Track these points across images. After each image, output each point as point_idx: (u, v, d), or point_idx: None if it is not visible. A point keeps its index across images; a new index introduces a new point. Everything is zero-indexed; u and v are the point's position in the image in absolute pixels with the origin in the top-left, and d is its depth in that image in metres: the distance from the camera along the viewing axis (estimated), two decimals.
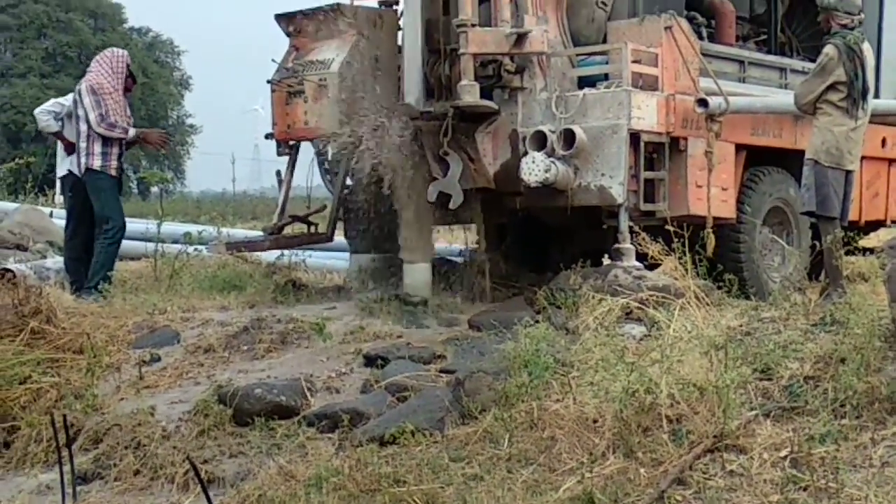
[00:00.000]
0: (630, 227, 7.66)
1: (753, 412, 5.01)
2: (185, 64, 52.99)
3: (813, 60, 9.22)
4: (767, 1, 10.37)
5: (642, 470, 4.59)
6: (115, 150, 9.30)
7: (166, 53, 51.48)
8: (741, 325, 6.30)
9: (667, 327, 5.76)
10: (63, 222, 12.83)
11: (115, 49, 9.93)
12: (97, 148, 9.20)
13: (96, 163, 9.22)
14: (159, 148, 10.02)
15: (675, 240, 6.89)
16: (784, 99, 8.99)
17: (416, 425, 5.32)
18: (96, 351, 6.66)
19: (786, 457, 4.60)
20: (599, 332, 5.89)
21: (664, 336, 5.58)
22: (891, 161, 10.43)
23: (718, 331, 5.67)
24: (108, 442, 5.65)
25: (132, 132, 9.41)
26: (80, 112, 9.26)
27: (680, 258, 6.64)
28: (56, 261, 10.32)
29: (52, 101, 10.16)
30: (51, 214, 13.27)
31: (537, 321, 6.50)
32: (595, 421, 5.03)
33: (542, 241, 9.59)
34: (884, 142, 10.16)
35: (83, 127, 9.24)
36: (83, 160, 9.25)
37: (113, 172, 9.30)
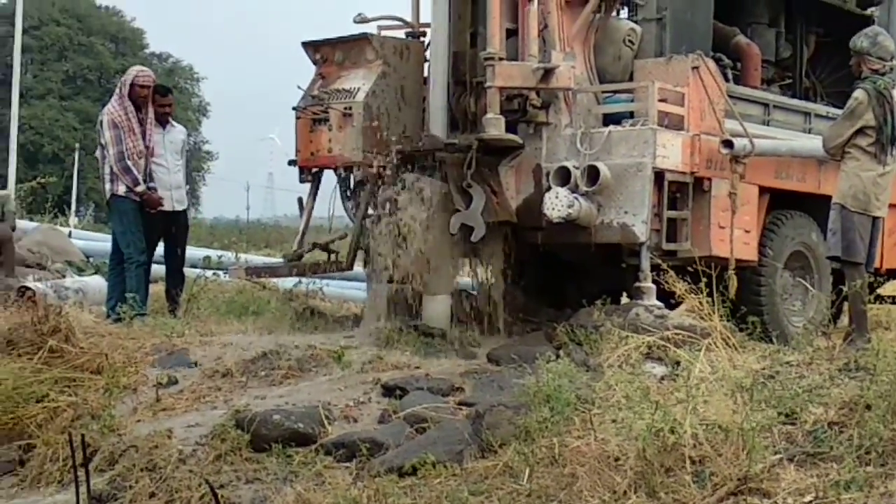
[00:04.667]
0: (657, 266, 7.62)
1: (778, 456, 4.95)
2: (203, 90, 53.38)
3: (837, 106, 9.23)
4: (793, 45, 10.39)
5: None
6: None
7: (185, 80, 51.78)
8: (764, 368, 6.25)
9: (691, 367, 5.71)
10: (81, 242, 12.93)
11: (127, 72, 9.81)
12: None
13: (121, 189, 9.26)
14: (150, 209, 9.57)
15: (700, 280, 6.84)
16: (809, 143, 8.97)
17: (435, 457, 5.27)
18: (114, 371, 6.64)
19: (810, 502, 4.54)
20: (623, 369, 5.84)
21: (689, 375, 5.53)
22: None
23: (744, 372, 5.61)
24: (124, 463, 5.60)
25: (140, 188, 9.31)
26: (103, 141, 9.31)
27: (709, 298, 6.58)
28: (75, 280, 10.33)
29: None
30: (69, 235, 13.30)
31: (558, 356, 6.46)
32: (617, 459, 4.97)
33: (560, 276, 9.55)
34: None
35: (107, 154, 9.27)
36: (108, 186, 9.30)
37: (136, 197, 9.31)
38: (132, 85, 9.41)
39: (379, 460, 5.47)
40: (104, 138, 9.29)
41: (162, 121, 9.76)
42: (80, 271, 11.75)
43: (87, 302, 9.72)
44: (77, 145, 35.79)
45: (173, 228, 9.77)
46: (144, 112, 9.48)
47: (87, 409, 6.20)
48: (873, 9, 10.31)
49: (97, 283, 10.34)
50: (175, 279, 9.82)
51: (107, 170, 9.31)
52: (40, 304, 7.36)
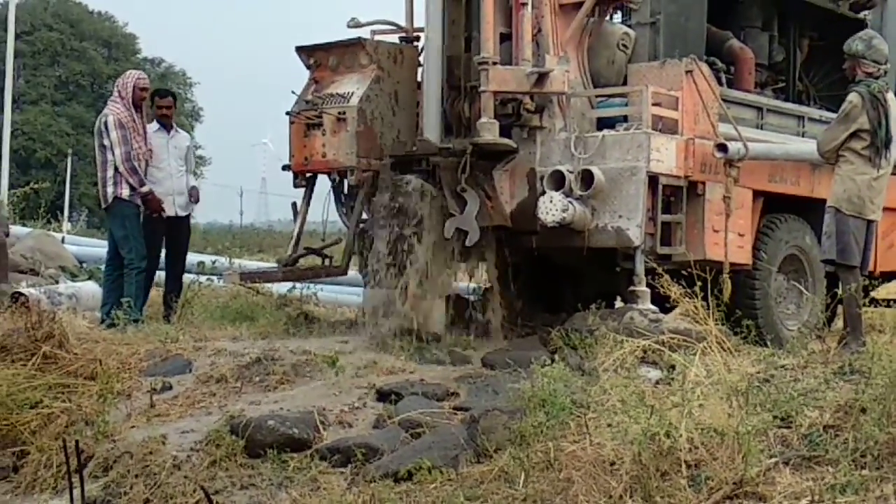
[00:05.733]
0: (652, 269, 7.62)
1: (773, 460, 4.94)
2: (196, 95, 53.32)
3: (830, 109, 9.24)
4: (786, 49, 10.40)
5: None
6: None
7: (178, 84, 51.64)
8: (759, 372, 6.25)
9: (686, 371, 5.71)
10: (75, 248, 12.89)
11: (124, 74, 9.85)
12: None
13: (125, 192, 9.24)
14: (152, 212, 9.60)
15: (694, 283, 6.84)
16: (803, 146, 8.97)
17: (430, 462, 5.27)
18: (108, 377, 6.62)
19: None
20: (618, 373, 5.83)
21: (685, 379, 5.52)
22: None
23: (738, 376, 5.61)
24: (119, 469, 5.60)
25: (145, 188, 9.34)
26: (107, 143, 9.26)
27: (703, 302, 6.58)
28: (68, 286, 10.30)
29: None
30: (62, 240, 13.28)
31: (553, 361, 6.45)
32: (612, 463, 4.96)
33: (555, 281, 9.55)
34: None
35: (110, 157, 9.24)
36: (110, 189, 9.24)
37: (139, 202, 9.30)
38: (134, 87, 9.41)
39: (374, 465, 5.46)
40: (109, 139, 9.23)
41: (165, 124, 9.77)
42: (74, 277, 11.74)
43: (80, 308, 9.70)
44: (70, 151, 35.73)
45: (175, 234, 9.76)
46: (141, 115, 9.50)
47: (81, 416, 6.19)
48: (866, 13, 10.34)
49: (91, 289, 10.33)
50: (174, 285, 9.81)
51: (109, 172, 9.26)
52: (34, 309, 7.33)
